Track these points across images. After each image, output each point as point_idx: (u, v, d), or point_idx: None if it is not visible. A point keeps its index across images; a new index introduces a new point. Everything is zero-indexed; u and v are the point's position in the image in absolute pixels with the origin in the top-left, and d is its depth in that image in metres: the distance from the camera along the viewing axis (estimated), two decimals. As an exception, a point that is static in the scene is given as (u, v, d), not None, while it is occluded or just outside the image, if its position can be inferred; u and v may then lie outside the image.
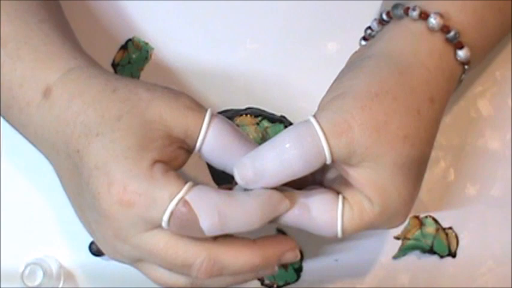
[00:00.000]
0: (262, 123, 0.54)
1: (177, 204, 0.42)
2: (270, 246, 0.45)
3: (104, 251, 0.46)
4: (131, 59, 0.55)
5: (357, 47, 0.51)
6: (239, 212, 0.42)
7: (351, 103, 0.43)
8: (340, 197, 0.45)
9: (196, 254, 0.43)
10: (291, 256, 0.46)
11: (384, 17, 0.48)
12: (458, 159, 0.54)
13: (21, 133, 0.47)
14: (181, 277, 0.45)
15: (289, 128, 0.44)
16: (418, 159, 0.44)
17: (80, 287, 0.54)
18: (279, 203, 0.44)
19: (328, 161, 0.43)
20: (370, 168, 0.43)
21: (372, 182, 0.44)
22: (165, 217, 0.42)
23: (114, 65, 0.55)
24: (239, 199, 0.43)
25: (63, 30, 0.48)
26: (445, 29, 0.45)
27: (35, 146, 0.47)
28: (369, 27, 0.50)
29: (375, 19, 0.49)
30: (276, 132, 0.54)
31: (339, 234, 0.45)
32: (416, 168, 0.44)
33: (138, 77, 0.55)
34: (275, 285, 0.54)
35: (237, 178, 0.44)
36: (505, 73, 0.55)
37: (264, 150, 0.43)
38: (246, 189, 0.44)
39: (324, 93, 0.46)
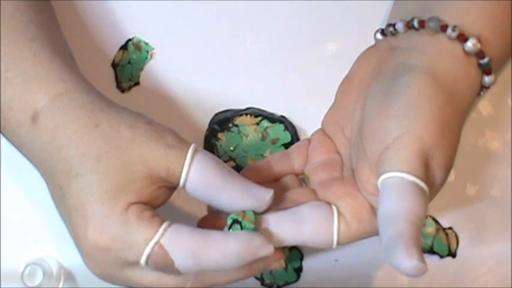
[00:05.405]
0: (262, 123, 0.54)
1: (152, 248, 0.43)
2: (256, 260, 0.44)
3: (98, 277, 0.47)
4: (131, 59, 0.55)
5: (357, 47, 0.51)
6: (214, 253, 0.43)
7: (428, 145, 0.43)
8: (334, 208, 0.45)
9: (185, 279, 0.45)
10: (276, 265, 0.46)
11: (415, 24, 0.47)
12: (458, 159, 0.54)
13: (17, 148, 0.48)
14: None
15: (392, 197, 0.42)
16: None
17: (80, 287, 0.54)
18: (260, 247, 0.43)
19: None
20: None
21: None
22: (143, 260, 0.43)
23: (114, 65, 0.55)
24: (216, 240, 0.43)
25: (53, 47, 0.47)
26: (480, 55, 0.45)
27: (30, 162, 0.48)
28: (392, 25, 0.48)
29: (401, 20, 0.48)
30: (276, 132, 0.54)
31: (334, 245, 0.45)
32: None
33: (138, 77, 0.55)
34: (275, 285, 0.54)
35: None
36: (505, 73, 0.55)
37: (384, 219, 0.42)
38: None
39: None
